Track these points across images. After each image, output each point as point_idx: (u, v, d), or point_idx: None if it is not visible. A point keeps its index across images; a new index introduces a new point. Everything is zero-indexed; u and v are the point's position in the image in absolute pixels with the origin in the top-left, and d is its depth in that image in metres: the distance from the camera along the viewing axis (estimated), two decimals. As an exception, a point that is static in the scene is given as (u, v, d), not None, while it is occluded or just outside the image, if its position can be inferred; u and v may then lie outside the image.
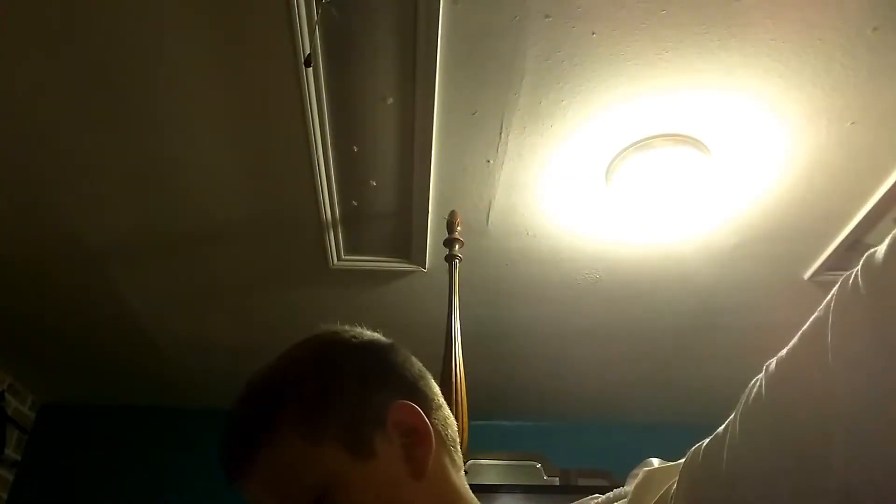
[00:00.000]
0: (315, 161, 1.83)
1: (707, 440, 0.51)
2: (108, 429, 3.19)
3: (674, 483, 0.53)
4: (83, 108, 1.70)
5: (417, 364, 0.71)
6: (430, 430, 0.63)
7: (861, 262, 0.43)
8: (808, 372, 0.44)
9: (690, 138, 1.75)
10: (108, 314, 2.54)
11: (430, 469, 0.62)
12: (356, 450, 0.61)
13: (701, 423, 0.74)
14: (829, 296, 0.45)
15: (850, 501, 0.41)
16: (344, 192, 1.97)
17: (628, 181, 1.84)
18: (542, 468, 2.56)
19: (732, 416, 0.48)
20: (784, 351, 0.47)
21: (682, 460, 0.53)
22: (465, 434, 1.45)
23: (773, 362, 0.47)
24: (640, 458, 1.97)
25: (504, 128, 1.75)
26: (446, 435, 0.67)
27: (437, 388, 0.71)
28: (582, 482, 2.51)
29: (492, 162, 1.86)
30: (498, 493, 2.38)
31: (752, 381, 0.48)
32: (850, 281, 0.44)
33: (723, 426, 0.49)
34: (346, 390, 0.64)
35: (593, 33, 1.51)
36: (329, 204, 1.99)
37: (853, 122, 1.69)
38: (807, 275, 2.22)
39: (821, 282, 2.22)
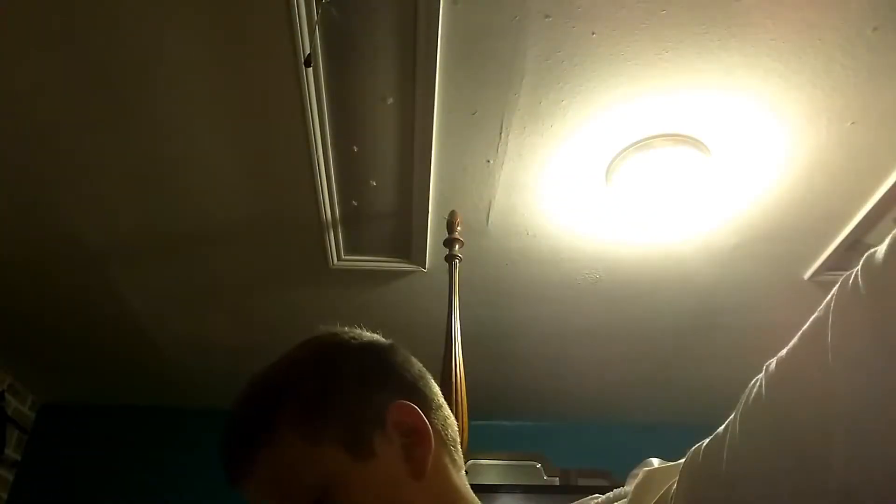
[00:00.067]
0: (315, 161, 1.83)
1: (707, 440, 0.51)
2: (108, 429, 3.19)
3: (674, 483, 0.53)
4: (83, 108, 1.70)
5: (417, 364, 0.71)
6: (429, 429, 0.63)
7: (861, 262, 0.43)
8: (808, 372, 0.44)
9: (690, 138, 1.75)
10: (108, 314, 2.54)
11: (430, 469, 0.63)
12: (356, 450, 0.61)
13: (701, 423, 0.74)
14: (829, 296, 0.45)
15: (850, 501, 0.41)
16: (344, 192, 1.97)
17: (628, 181, 1.84)
18: (542, 468, 2.57)
19: (732, 416, 0.48)
20: (784, 351, 0.47)
21: (682, 460, 0.53)
22: (465, 434, 1.45)
23: (773, 362, 0.47)
24: (640, 458, 1.97)
25: (504, 128, 1.75)
26: (446, 435, 0.67)
27: (437, 389, 0.71)
28: (582, 482, 2.51)
29: (492, 162, 1.86)
30: (498, 493, 2.38)
31: (752, 381, 0.48)
32: (850, 281, 0.44)
33: (723, 426, 0.49)
34: (345, 390, 0.64)
35: (593, 33, 1.51)
36: (329, 204, 1.99)
37: (853, 122, 1.69)
38: (807, 275, 2.22)
39: (821, 282, 2.22)
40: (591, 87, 1.63)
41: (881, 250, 0.42)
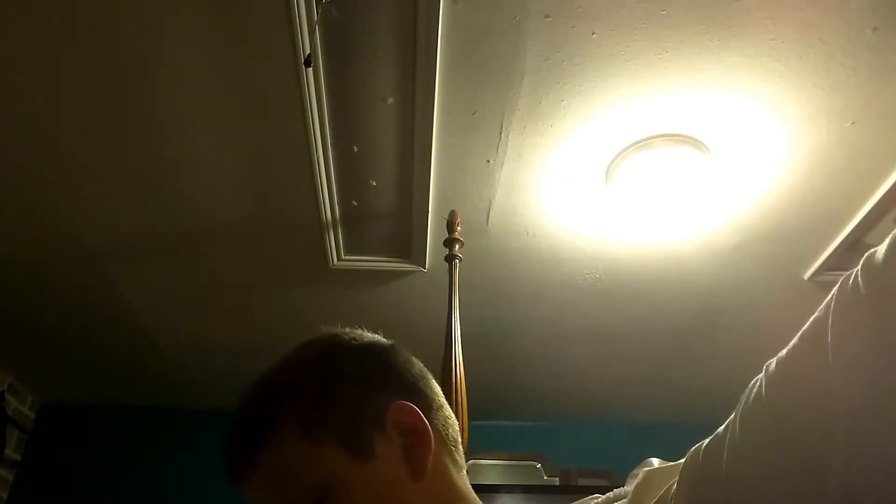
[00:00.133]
0: (315, 161, 1.83)
1: (707, 440, 0.51)
2: (108, 429, 3.19)
3: (674, 483, 0.53)
4: (83, 108, 1.70)
5: (418, 365, 0.71)
6: (429, 430, 0.63)
7: (861, 263, 0.43)
8: (808, 372, 0.44)
9: (690, 138, 1.75)
10: (108, 314, 2.54)
11: (431, 469, 0.63)
12: (356, 450, 0.61)
13: (701, 423, 0.74)
14: (829, 296, 0.45)
15: (850, 501, 0.41)
16: (344, 192, 1.97)
17: (628, 181, 1.84)
18: (541, 468, 2.57)
19: (732, 416, 0.48)
20: (784, 351, 0.47)
21: (682, 460, 0.53)
22: (465, 434, 1.45)
23: (773, 362, 0.47)
24: (640, 458, 1.96)
25: (504, 128, 1.75)
26: (447, 435, 0.67)
27: (437, 389, 0.71)
28: (582, 482, 2.51)
29: (492, 162, 1.86)
30: (498, 493, 2.38)
31: (752, 381, 0.48)
32: (850, 281, 0.44)
33: (723, 426, 0.49)
34: (345, 391, 0.64)
35: (593, 33, 1.51)
36: (329, 204, 1.99)
37: (853, 122, 1.69)
38: (807, 275, 2.22)
39: (821, 282, 2.22)
40: (591, 87, 1.63)
41: (881, 250, 0.42)
